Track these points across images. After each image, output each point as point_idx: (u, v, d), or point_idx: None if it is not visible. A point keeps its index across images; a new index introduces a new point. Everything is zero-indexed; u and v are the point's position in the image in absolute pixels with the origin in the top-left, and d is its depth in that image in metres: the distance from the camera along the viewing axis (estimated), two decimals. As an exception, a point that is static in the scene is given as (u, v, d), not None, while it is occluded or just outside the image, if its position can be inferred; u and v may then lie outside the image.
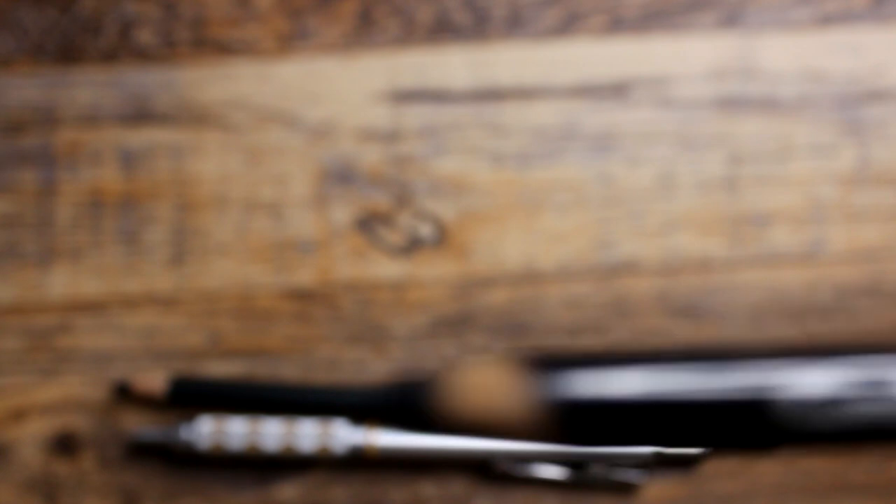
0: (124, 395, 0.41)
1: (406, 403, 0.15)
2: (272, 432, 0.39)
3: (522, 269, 0.42)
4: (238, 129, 0.43)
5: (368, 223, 0.43)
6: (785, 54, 0.44)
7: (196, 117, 0.43)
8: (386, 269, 0.42)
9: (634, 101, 0.43)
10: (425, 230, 0.43)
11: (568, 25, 0.44)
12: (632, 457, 0.40)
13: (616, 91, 0.44)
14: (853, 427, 0.16)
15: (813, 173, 0.43)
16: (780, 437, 0.16)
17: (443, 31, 0.44)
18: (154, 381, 0.40)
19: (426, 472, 0.41)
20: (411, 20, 0.44)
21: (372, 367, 0.41)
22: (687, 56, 0.44)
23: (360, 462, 0.40)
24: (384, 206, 0.43)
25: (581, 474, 0.40)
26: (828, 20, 0.44)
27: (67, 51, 0.44)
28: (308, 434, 0.39)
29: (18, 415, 0.41)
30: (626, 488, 0.40)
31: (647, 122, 0.43)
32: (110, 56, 0.44)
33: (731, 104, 0.43)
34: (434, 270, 0.42)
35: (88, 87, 0.43)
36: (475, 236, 0.42)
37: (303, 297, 0.42)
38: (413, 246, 0.42)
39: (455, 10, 0.44)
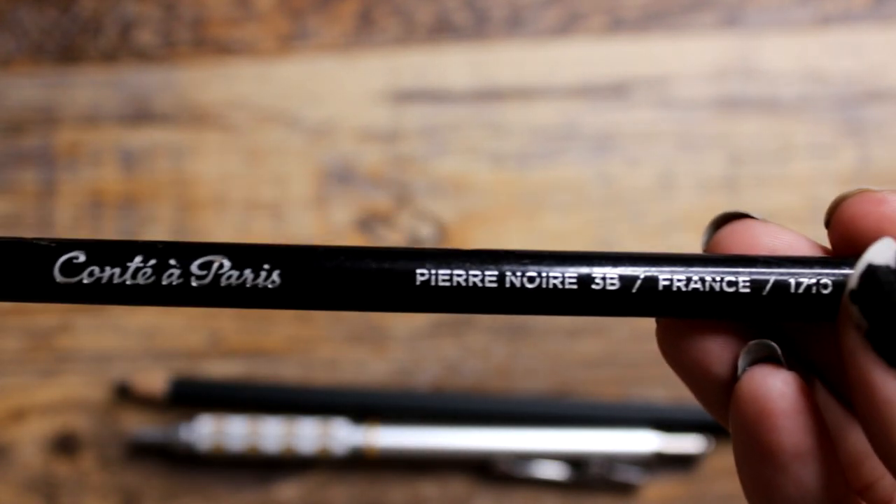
0: (124, 395, 0.41)
1: None
2: (272, 432, 0.39)
3: (522, 269, 0.42)
4: (238, 129, 0.43)
5: (368, 223, 0.43)
6: (785, 54, 0.44)
7: (196, 117, 0.43)
8: (386, 269, 0.42)
9: (634, 101, 0.43)
10: (425, 230, 0.43)
11: (568, 25, 0.44)
12: (632, 457, 0.40)
13: (616, 91, 0.44)
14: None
15: (813, 173, 0.43)
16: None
17: (443, 31, 0.44)
18: (154, 381, 0.40)
19: (426, 472, 0.40)
20: (411, 20, 0.44)
21: (372, 367, 0.41)
22: (687, 56, 0.44)
23: (360, 462, 0.40)
24: (384, 206, 0.43)
25: (581, 474, 0.40)
26: (828, 20, 0.44)
27: (67, 51, 0.44)
28: (308, 434, 0.39)
29: (18, 415, 0.41)
30: (626, 488, 0.40)
31: (647, 122, 0.43)
32: (110, 56, 0.44)
33: (731, 104, 0.43)
34: (434, 270, 0.42)
35: (88, 87, 0.43)
36: (475, 236, 0.42)
37: (303, 297, 0.42)
38: (413, 246, 0.42)
39: (455, 10, 0.44)
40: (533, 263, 0.19)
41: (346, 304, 0.20)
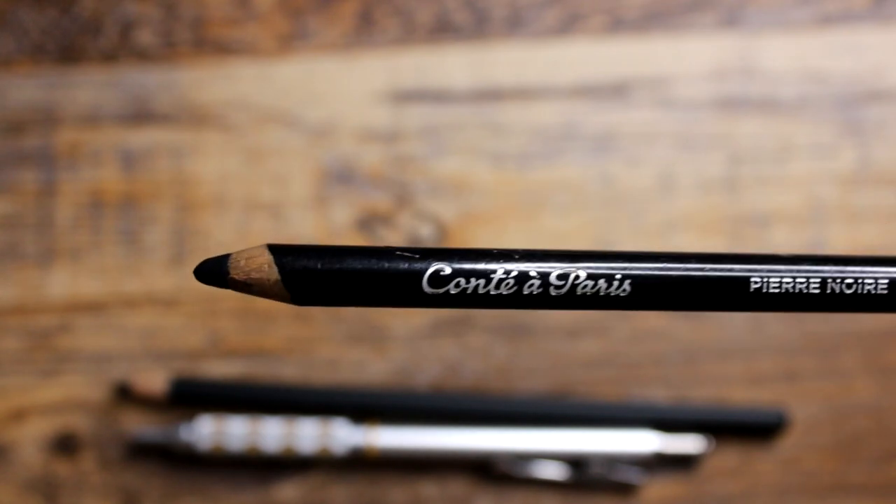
0: (124, 395, 0.41)
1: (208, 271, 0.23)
2: (272, 432, 0.39)
3: (522, 269, 0.42)
4: (238, 129, 0.43)
5: (368, 223, 0.43)
6: (785, 54, 0.44)
7: (196, 117, 0.43)
8: (386, 269, 0.42)
9: (634, 101, 0.43)
10: (425, 230, 0.43)
11: (568, 25, 0.44)
12: (632, 457, 0.40)
13: (616, 91, 0.44)
14: None
15: (813, 173, 0.43)
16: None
17: (443, 31, 0.44)
18: (154, 381, 0.41)
19: (426, 472, 0.41)
20: (411, 20, 0.44)
21: (372, 367, 0.41)
22: (687, 56, 0.44)
23: (360, 462, 0.40)
24: (384, 206, 0.43)
25: (581, 474, 0.40)
26: (828, 20, 0.44)
27: (67, 51, 0.44)
28: (308, 434, 0.39)
29: (18, 415, 0.41)
30: (626, 488, 0.40)
31: (647, 122, 0.43)
32: (110, 56, 0.44)
33: (731, 104, 0.43)
34: (434, 270, 0.42)
35: (88, 87, 0.43)
36: (475, 236, 0.42)
37: (303, 297, 0.42)
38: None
39: (455, 10, 0.44)
40: (851, 265, 0.22)
41: (686, 305, 0.22)
